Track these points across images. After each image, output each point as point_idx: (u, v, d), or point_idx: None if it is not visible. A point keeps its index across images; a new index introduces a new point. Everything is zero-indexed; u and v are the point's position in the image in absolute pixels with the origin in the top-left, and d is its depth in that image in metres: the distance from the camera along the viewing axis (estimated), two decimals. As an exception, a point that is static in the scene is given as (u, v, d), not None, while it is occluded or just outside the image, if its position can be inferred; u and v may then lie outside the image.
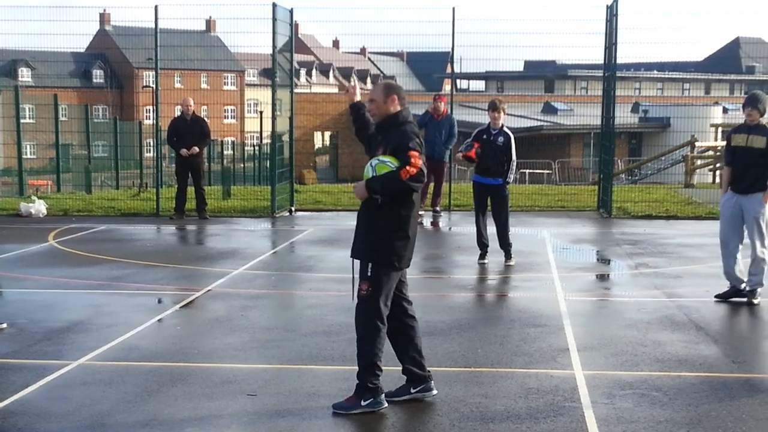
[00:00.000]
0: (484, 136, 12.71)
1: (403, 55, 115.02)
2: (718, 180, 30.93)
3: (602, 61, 20.09)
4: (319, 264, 13.16)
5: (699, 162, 34.28)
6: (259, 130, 42.27)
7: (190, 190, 18.44)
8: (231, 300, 10.67)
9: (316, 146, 56.76)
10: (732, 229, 10.53)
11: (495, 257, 13.04)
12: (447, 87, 32.70)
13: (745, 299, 10.42)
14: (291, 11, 19.48)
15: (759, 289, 10.45)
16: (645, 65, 70.13)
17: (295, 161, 20.79)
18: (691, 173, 31.75)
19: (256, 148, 40.12)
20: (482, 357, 8.20)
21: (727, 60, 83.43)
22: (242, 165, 41.76)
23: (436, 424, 6.48)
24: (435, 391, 7.02)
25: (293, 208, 19.68)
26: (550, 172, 42.64)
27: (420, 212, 17.85)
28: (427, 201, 18.21)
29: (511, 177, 12.88)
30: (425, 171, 6.69)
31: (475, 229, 13.10)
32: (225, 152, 42.58)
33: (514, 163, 12.89)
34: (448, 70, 24.17)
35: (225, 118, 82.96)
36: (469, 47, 24.33)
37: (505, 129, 12.84)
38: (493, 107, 12.81)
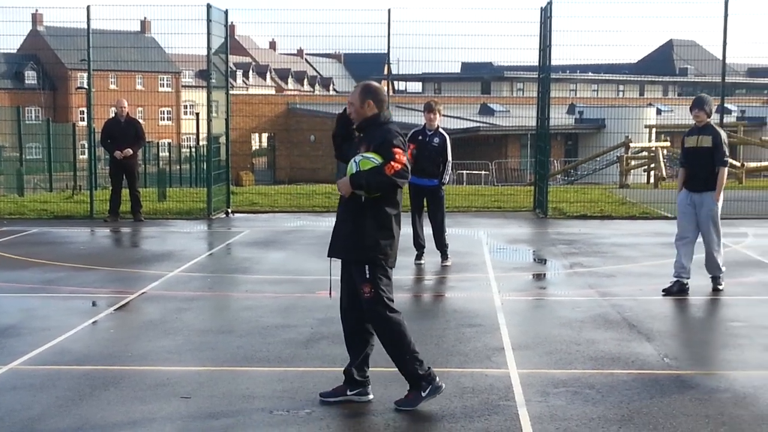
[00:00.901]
0: (420, 138, 12.74)
1: (341, 57, 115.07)
2: (652, 180, 31.36)
3: (537, 63, 20.24)
4: (256, 266, 13.10)
5: (633, 162, 34.73)
6: (195, 131, 41.98)
7: (125, 193, 18.25)
8: (166, 302, 10.58)
9: (254, 148, 56.53)
10: (688, 225, 11.05)
11: (431, 258, 13.08)
12: (385, 89, 32.83)
13: (687, 295, 10.89)
14: (226, 12, 19.37)
15: (721, 276, 11.11)
16: (580, 67, 70.79)
17: (231, 163, 20.69)
18: (625, 174, 32.15)
19: (193, 149, 39.85)
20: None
21: (661, 62, 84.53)
22: (178, 167, 41.45)
23: (371, 425, 6.48)
24: (371, 396, 7.00)
25: (230, 210, 19.57)
26: (487, 173, 42.87)
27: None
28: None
29: (447, 178, 12.93)
30: (409, 168, 6.66)
31: (411, 230, 13.13)
32: (161, 154, 42.21)
33: (450, 164, 12.94)
34: (386, 71, 24.18)
35: (161, 119, 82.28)
36: (406, 49, 24.41)
37: (441, 130, 12.88)
38: (429, 108, 12.85)
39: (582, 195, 22.03)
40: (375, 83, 7.04)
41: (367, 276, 6.68)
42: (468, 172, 40.96)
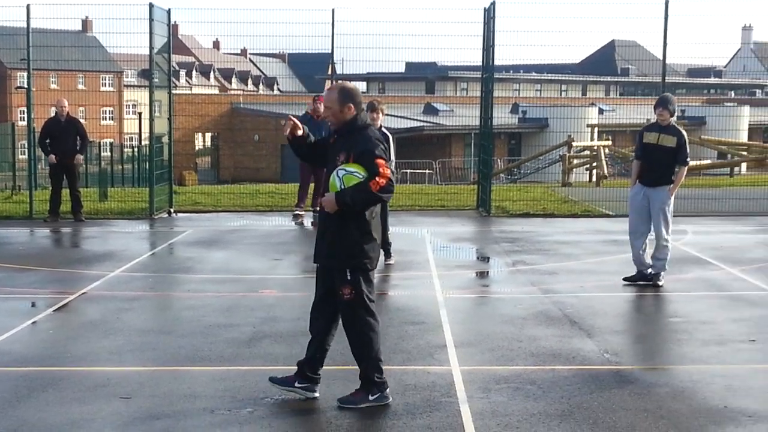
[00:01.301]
0: (363, 137, 12.71)
1: (285, 57, 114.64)
2: (594, 179, 31.64)
3: (481, 63, 20.33)
4: (198, 265, 13.02)
5: (575, 161, 35.02)
6: (137, 131, 41.61)
7: (65, 192, 18.03)
8: (107, 303, 10.48)
9: (197, 147, 56.17)
10: (640, 219, 11.37)
11: (375, 256, 13.07)
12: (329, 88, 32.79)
13: (650, 282, 11.27)
14: (168, 12, 19.23)
15: (662, 273, 11.32)
16: (523, 67, 71.30)
17: (174, 162, 20.54)
18: (568, 172, 32.41)
19: (135, 149, 39.50)
20: (361, 355, 8.20)
21: (603, 62, 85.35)
22: (120, 167, 41.05)
23: (314, 423, 6.47)
24: (317, 394, 7.00)
25: (172, 210, 19.41)
26: (431, 172, 42.99)
27: (300, 212, 17.81)
28: (307, 201, 18.20)
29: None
30: (394, 180, 6.64)
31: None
32: (102, 154, 41.76)
33: (393, 164, 12.93)
34: (330, 71, 24.14)
35: (103, 119, 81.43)
36: (351, 49, 24.36)
37: (384, 129, 12.88)
38: (372, 108, 12.83)
39: (525, 193, 22.16)
40: (350, 84, 6.98)
41: (348, 278, 6.70)
42: (412, 171, 41.01)
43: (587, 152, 35.35)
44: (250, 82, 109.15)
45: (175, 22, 19.97)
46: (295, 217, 17.87)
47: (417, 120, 53.18)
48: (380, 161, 6.56)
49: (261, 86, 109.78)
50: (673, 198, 11.31)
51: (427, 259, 13.44)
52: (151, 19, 18.29)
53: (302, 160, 7.22)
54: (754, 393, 7.16)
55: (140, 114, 40.13)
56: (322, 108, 17.83)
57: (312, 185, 18.19)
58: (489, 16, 19.31)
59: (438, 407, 6.77)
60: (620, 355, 8.25)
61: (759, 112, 45.66)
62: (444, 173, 43.99)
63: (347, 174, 6.56)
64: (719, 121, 35.68)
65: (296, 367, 7.02)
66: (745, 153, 36.13)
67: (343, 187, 6.56)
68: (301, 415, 6.63)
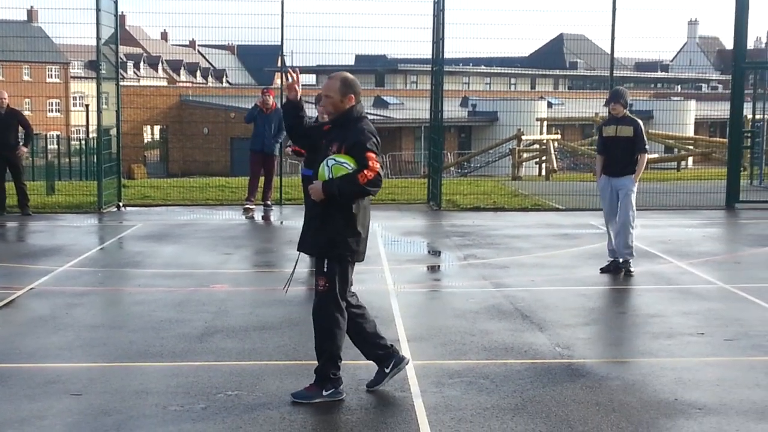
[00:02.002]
0: (313, 130, 12.68)
1: (234, 49, 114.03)
2: (543, 172, 31.83)
3: (431, 56, 20.35)
4: (148, 260, 12.91)
5: (525, 155, 35.20)
6: (85, 123, 41.16)
7: (10, 186, 17.78)
8: (55, 298, 10.36)
9: (146, 140, 55.74)
10: (612, 210, 11.90)
11: (326, 250, 13.03)
12: (278, 80, 32.64)
13: (623, 271, 11.80)
14: (116, 2, 19.02)
15: (631, 260, 11.84)
16: (473, 60, 71.41)
17: (123, 155, 20.34)
18: (518, 166, 32.58)
19: (83, 142, 39.07)
20: (313, 350, 8.17)
21: (552, 56, 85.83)
22: (68, 160, 40.58)
23: (266, 418, 6.44)
24: (408, 358, 7.21)
25: (121, 204, 19.24)
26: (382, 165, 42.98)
27: (251, 206, 17.74)
28: (258, 195, 18.14)
29: (342, 170, 12.88)
30: (382, 175, 6.63)
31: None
32: (49, 146, 41.26)
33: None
34: (279, 63, 24.02)
35: (49, 111, 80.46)
36: (300, 41, 24.34)
37: (334, 122, 12.84)
38: (320, 101, 12.80)
39: (475, 187, 22.25)
40: (350, 75, 6.97)
41: (325, 270, 6.73)
42: (362, 164, 41.01)
43: (537, 146, 35.54)
44: (198, 74, 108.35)
45: (122, 12, 19.78)
46: (246, 210, 17.80)
47: (367, 113, 53.14)
48: (371, 154, 6.56)
49: (210, 78, 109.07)
50: (636, 186, 11.84)
51: (378, 253, 13.43)
52: (98, 9, 18.11)
53: (291, 137, 7.22)
54: (703, 386, 7.24)
55: (87, 106, 39.74)
56: (271, 101, 17.94)
57: (262, 178, 18.16)
58: (439, 8, 19.34)
59: (392, 402, 6.78)
60: (572, 349, 8.30)
61: (705, 106, 46.17)
62: (394, 167, 44.02)
63: (336, 164, 6.57)
64: (666, 116, 36.06)
65: (375, 363, 7.14)
66: (691, 147, 36.53)
67: (331, 176, 6.56)
68: (255, 410, 6.60)
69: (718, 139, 38.17)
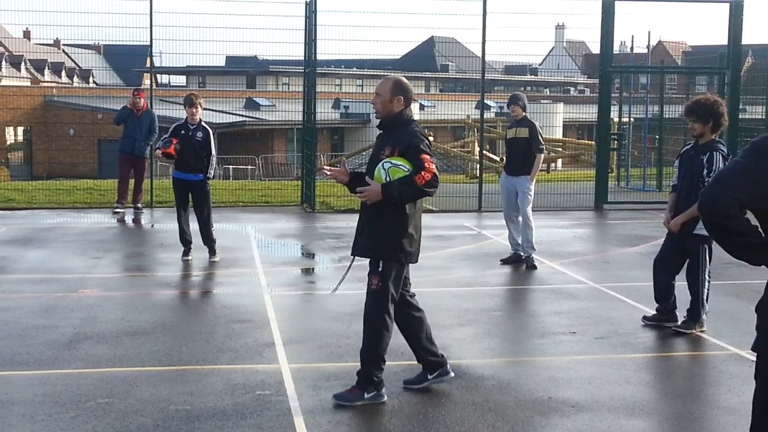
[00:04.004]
0: (183, 132, 12.51)
1: (101, 48, 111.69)
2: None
3: (303, 58, 20.28)
4: (13, 265, 12.51)
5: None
6: (-55, 124, 39.78)
7: None
8: None
9: (9, 142, 54.16)
10: (510, 205, 12.57)
11: (199, 254, 12.87)
12: (147, 81, 32.13)
13: (524, 263, 12.37)
14: (-23, -2, 18.41)
15: (533, 254, 12.40)
16: (345, 62, 71.56)
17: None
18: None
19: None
20: (187, 355, 8.05)
21: (423, 58, 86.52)
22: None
23: (139, 426, 6.28)
24: (452, 374, 7.18)
25: (-16, 207, 18.61)
26: (254, 167, 42.69)
27: (121, 209, 17.39)
28: (128, 198, 17.79)
29: (212, 172, 12.73)
30: (438, 176, 6.66)
31: (177, 225, 12.87)
32: None
33: (214, 158, 12.75)
34: (148, 64, 23.62)
35: None
36: (169, 41, 23.92)
37: (203, 124, 12.70)
38: (190, 103, 12.64)
39: (348, 189, 22.20)
40: (406, 80, 6.98)
41: (380, 269, 6.74)
42: (234, 167, 40.64)
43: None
44: (64, 74, 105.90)
45: (-16, 10, 19.10)
46: (116, 213, 17.44)
47: (238, 115, 52.68)
48: (425, 156, 6.62)
49: (76, 78, 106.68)
50: (533, 184, 12.47)
51: (252, 255, 13.31)
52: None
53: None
54: (575, 384, 7.36)
55: (-53, 107, 38.38)
56: (141, 102, 17.61)
57: (132, 181, 17.83)
58: (310, 10, 19.28)
59: (268, 406, 6.69)
60: (447, 350, 8.30)
61: (573, 109, 47.13)
62: (267, 169, 43.74)
63: (393, 167, 6.59)
64: (535, 118, 36.63)
65: (421, 365, 7.22)
66: (560, 149, 37.26)
67: (389, 179, 6.57)
68: (127, 418, 6.43)
69: (586, 141, 39.01)
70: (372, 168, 6.77)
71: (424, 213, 16.49)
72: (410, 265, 6.96)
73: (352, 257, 7.07)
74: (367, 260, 6.84)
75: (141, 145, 17.63)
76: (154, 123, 17.75)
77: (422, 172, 6.56)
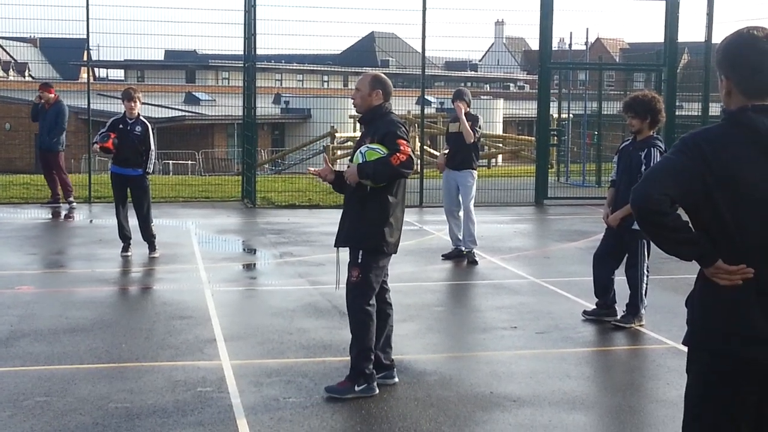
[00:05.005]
0: (121, 126, 12.38)
1: (37, 41, 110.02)
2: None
3: (243, 52, 20.17)
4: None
5: (339, 152, 35.32)
6: None
7: None
8: None
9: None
10: (452, 200, 12.59)
11: (139, 249, 12.73)
12: (84, 75, 31.71)
13: (465, 259, 12.38)
14: None
15: (474, 249, 12.44)
16: (285, 57, 71.25)
17: None
18: (331, 163, 32.60)
19: None
20: (127, 352, 7.97)
21: (363, 53, 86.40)
22: None
23: (78, 424, 6.20)
24: (396, 379, 7.11)
25: None
26: (194, 162, 42.39)
27: (56, 203, 17.21)
28: (60, 193, 17.64)
29: (151, 167, 12.61)
30: (414, 159, 6.80)
31: (116, 221, 12.72)
32: None
33: (154, 153, 12.63)
34: (85, 57, 23.30)
35: None
36: (107, 34, 23.64)
37: (142, 118, 12.58)
38: (128, 97, 12.52)
39: (290, 184, 22.15)
40: (384, 75, 7.27)
41: (359, 261, 6.83)
42: (174, 162, 40.31)
43: (351, 143, 35.73)
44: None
45: None
46: (52, 209, 17.23)
47: (178, 109, 52.23)
48: (401, 141, 6.79)
49: (11, 72, 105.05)
50: (475, 179, 12.54)
51: (192, 251, 13.21)
52: None
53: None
54: (517, 378, 7.40)
55: None
56: (50, 96, 17.53)
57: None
58: (250, 4, 19.18)
59: (209, 403, 6.65)
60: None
61: (512, 105, 47.38)
62: (207, 164, 43.45)
63: (369, 150, 6.77)
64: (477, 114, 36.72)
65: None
66: (501, 145, 37.47)
67: (365, 160, 6.71)
68: (66, 416, 6.34)
69: (526, 137, 39.28)
70: (352, 157, 6.97)
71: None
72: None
73: (336, 249, 7.13)
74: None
75: (46, 140, 17.73)
76: (59, 116, 17.81)
77: (398, 154, 6.72)
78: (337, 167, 7.31)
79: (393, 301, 7.31)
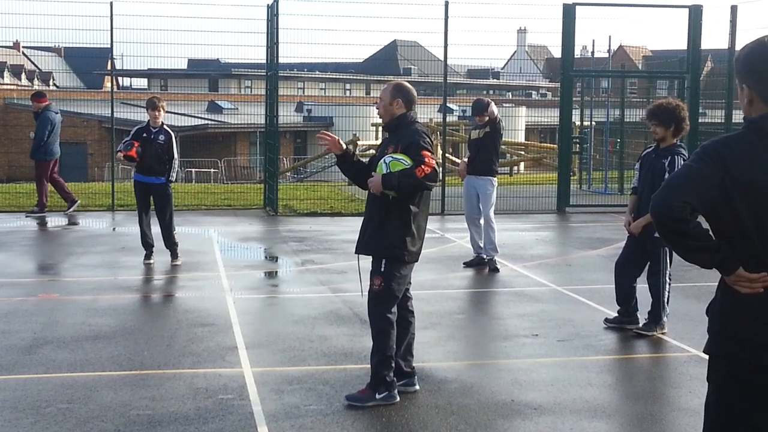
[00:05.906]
0: (145, 135, 12.44)
1: (61, 51, 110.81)
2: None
3: (265, 61, 20.23)
4: (-28, 269, 12.37)
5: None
6: None
7: None
8: None
9: (-32, 145, 53.58)
10: (472, 208, 12.66)
11: (161, 257, 12.79)
12: (108, 84, 31.88)
13: (487, 266, 12.41)
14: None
15: (495, 256, 12.44)
16: (308, 65, 71.45)
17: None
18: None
19: None
20: (149, 359, 8.00)
21: (386, 62, 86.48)
22: None
23: (100, 431, 6.22)
24: (417, 386, 7.11)
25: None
26: (217, 170, 42.53)
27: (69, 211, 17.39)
28: (68, 199, 17.85)
29: (174, 175, 12.67)
30: (438, 171, 6.81)
31: (139, 229, 12.78)
32: None
33: (176, 162, 12.69)
34: (109, 66, 23.46)
35: None
36: (131, 44, 23.78)
37: (166, 127, 12.64)
38: (152, 106, 12.57)
39: (312, 192, 22.20)
40: (407, 84, 7.20)
41: (382, 270, 6.85)
42: (197, 170, 40.46)
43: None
44: (24, 76, 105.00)
45: (-59, 12, 18.96)
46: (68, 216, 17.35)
47: (201, 118, 52.44)
48: (426, 152, 6.76)
49: (36, 81, 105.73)
50: (495, 185, 12.61)
51: (215, 259, 13.25)
52: None
53: (350, 179, 7.47)
54: (538, 386, 7.38)
55: None
56: (42, 104, 17.82)
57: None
58: (272, 13, 19.24)
59: (230, 410, 6.66)
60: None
61: (535, 112, 47.34)
62: (229, 172, 43.57)
63: (394, 160, 6.74)
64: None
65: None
66: (523, 153, 37.39)
67: (389, 171, 6.70)
68: (88, 423, 6.37)
69: (548, 144, 39.19)
70: (375, 165, 6.92)
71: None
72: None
73: (357, 256, 7.16)
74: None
75: (32, 149, 18.09)
76: (40, 126, 18.06)
77: (422, 166, 6.71)
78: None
79: (415, 309, 7.30)
